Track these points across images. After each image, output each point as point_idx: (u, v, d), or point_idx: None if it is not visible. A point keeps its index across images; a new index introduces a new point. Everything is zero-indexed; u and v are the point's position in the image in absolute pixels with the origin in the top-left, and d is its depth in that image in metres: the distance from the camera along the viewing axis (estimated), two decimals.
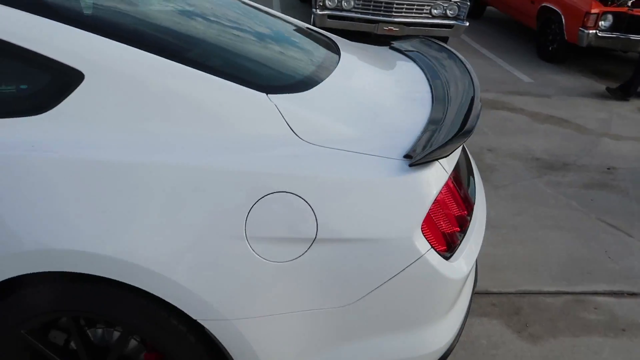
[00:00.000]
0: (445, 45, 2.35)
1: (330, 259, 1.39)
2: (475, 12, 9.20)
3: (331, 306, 1.44)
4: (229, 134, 1.44)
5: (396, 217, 1.39)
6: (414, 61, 2.28)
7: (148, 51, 1.48)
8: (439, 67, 2.14)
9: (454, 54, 2.21)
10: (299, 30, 2.30)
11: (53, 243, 1.33)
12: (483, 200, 1.97)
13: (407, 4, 6.56)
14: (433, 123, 1.63)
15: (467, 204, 1.70)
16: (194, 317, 1.39)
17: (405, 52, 2.42)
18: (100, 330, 1.60)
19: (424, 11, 6.62)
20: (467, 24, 6.71)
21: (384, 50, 2.50)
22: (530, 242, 3.10)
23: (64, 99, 1.41)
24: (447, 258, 1.50)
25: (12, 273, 1.37)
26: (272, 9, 8.82)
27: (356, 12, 6.60)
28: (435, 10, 6.63)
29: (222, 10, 2.09)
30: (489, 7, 9.25)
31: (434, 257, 1.45)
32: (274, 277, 1.38)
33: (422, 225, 1.43)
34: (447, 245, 1.53)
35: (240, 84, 1.51)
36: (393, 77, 2.03)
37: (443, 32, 6.77)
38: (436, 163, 1.47)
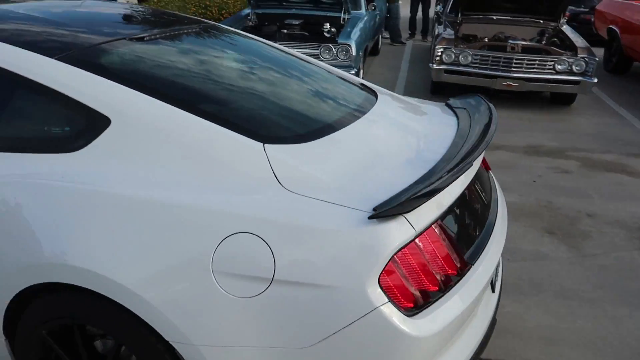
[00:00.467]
0: (490, 106, 2.33)
1: (287, 300, 1.48)
2: (620, 67, 8.55)
3: (289, 346, 1.51)
4: (219, 178, 1.61)
5: (351, 267, 1.44)
6: (457, 118, 2.30)
7: (166, 102, 1.73)
8: (473, 127, 2.13)
9: (492, 116, 2.18)
10: (342, 83, 2.44)
11: (65, 259, 1.60)
12: (496, 254, 1.90)
13: (528, 59, 6.36)
14: (421, 180, 1.65)
15: (459, 263, 1.67)
16: (166, 338, 1.56)
17: (455, 109, 2.44)
18: (109, 341, 1.83)
19: (547, 67, 6.36)
20: (596, 80, 6.30)
21: (435, 106, 2.53)
22: (604, 318, 2.80)
23: (92, 140, 1.70)
24: (411, 315, 1.50)
25: (32, 282, 1.66)
26: (401, 61, 9.06)
27: (474, 67, 6.56)
28: (559, 66, 6.34)
29: (260, 62, 2.32)
30: (636, 62, 8.55)
31: (391, 311, 1.46)
32: (235, 311, 1.50)
33: (380, 278, 1.46)
34: (415, 302, 1.53)
35: (242, 134, 1.69)
36: (416, 134, 2.07)
37: (568, 88, 6.43)
38: (401, 218, 1.49)
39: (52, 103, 1.76)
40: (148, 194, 1.58)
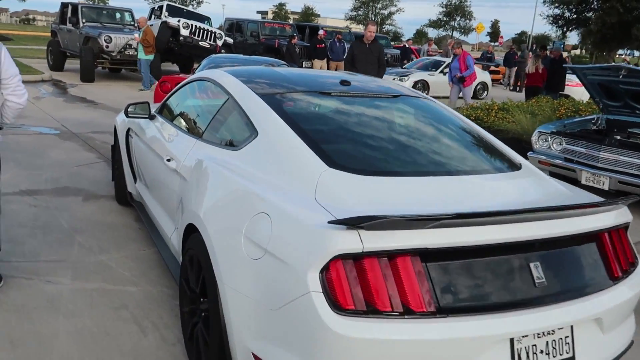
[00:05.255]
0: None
1: (270, 267, 1.97)
2: None
3: (265, 306, 1.98)
4: (284, 179, 2.25)
5: (306, 254, 1.83)
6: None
7: (292, 128, 2.46)
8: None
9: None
10: (482, 150, 2.67)
11: (195, 207, 2.50)
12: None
13: None
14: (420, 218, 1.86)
15: (425, 306, 1.79)
16: (211, 259, 2.25)
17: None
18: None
19: None
20: None
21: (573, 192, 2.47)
22: None
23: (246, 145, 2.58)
24: (342, 314, 1.75)
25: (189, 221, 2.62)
26: None
27: None
28: None
29: (407, 121, 2.78)
30: None
31: (320, 301, 1.76)
32: (244, 265, 2.09)
33: (323, 271, 1.79)
34: (355, 306, 1.76)
35: (321, 158, 2.27)
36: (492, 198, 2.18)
37: None
38: (354, 231, 1.78)
39: (240, 118, 2.73)
40: (245, 181, 2.34)
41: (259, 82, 3.07)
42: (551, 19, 26.96)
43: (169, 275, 3.51)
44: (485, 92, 17.24)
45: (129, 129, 4.38)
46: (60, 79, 13.87)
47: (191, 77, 3.77)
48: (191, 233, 2.62)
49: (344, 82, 3.19)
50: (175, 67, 17.31)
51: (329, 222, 1.83)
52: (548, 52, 12.99)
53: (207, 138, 2.97)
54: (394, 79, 14.73)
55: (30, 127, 7.92)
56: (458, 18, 51.29)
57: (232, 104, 2.91)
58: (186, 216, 2.67)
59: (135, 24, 14.49)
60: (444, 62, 16.47)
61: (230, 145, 2.75)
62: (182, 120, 3.56)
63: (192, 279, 2.56)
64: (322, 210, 1.96)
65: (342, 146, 2.46)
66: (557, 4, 26.21)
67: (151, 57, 12.85)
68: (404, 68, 16.92)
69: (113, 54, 13.61)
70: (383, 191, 2.13)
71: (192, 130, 3.29)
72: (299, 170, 2.25)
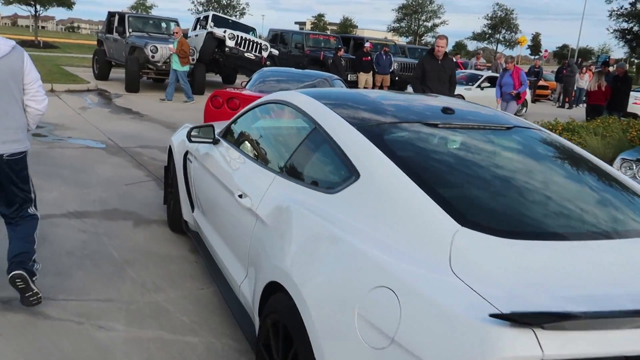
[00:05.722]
0: None
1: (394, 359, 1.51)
2: None
3: None
4: (406, 243, 1.78)
5: (452, 354, 1.37)
6: None
7: (404, 171, 2.00)
8: None
9: None
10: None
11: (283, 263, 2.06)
12: None
13: None
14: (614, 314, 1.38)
15: None
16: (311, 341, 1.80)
17: None
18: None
19: None
20: None
21: None
22: None
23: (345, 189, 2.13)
24: None
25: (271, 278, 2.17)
26: None
27: None
28: None
29: (540, 166, 2.26)
30: None
31: None
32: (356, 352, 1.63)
33: None
34: None
35: (449, 213, 1.80)
36: None
37: None
38: (529, 331, 1.31)
39: (332, 153, 2.29)
40: (349, 236, 1.88)
41: (348, 107, 2.63)
42: (618, 33, 25.37)
43: (231, 321, 3.10)
44: (525, 109, 16.20)
45: (187, 152, 4.00)
46: (105, 89, 13.79)
47: (263, 98, 3.35)
48: (274, 291, 2.18)
49: (447, 110, 2.72)
50: (217, 78, 17.15)
51: (492, 316, 1.36)
52: (611, 68, 12.26)
53: (290, 174, 2.54)
54: None
55: (77, 139, 7.70)
56: (503, 31, 49.51)
57: (320, 135, 2.47)
58: (268, 270, 2.23)
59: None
60: (481, 76, 15.74)
61: (322, 186, 2.30)
62: (255, 149, 3.14)
63: (277, 351, 2.11)
64: (468, 290, 1.49)
65: (469, 196, 1.98)
66: (627, 18, 24.62)
67: (187, 68, 12.52)
68: None
69: (159, 64, 13.45)
70: (540, 263, 1.64)
71: (269, 162, 2.86)
72: (420, 229, 1.79)
